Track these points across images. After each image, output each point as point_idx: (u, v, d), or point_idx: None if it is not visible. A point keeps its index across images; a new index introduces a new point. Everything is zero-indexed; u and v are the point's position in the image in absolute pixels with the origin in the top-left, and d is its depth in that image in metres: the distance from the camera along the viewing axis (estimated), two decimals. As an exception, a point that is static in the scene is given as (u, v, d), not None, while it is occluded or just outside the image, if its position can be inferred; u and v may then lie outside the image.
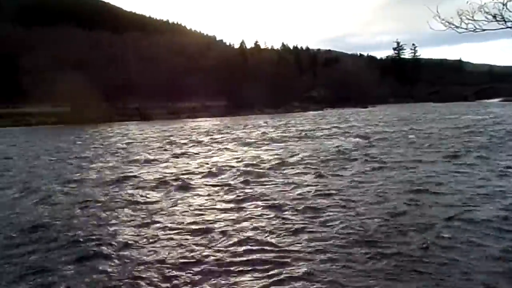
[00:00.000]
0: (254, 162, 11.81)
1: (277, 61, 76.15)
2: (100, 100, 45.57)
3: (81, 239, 5.64)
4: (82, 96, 41.92)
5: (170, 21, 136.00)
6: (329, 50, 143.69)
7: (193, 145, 17.71)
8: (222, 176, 9.95)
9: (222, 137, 20.88)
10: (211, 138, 20.57)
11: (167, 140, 20.21)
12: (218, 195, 8.06)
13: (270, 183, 8.96)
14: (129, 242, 5.50)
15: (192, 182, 9.28)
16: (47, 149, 17.88)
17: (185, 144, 18.30)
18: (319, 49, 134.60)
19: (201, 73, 58.00)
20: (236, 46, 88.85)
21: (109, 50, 59.73)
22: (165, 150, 16.25)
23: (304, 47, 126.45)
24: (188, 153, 14.89)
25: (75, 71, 42.96)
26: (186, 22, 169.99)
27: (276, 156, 12.96)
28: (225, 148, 16.13)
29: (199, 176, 10.13)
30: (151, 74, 50.28)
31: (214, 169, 10.81)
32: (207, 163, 12.12)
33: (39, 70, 49.58)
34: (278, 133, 22.54)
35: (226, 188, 8.65)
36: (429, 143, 15.11)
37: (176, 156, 14.25)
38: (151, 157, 13.93)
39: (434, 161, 11.15)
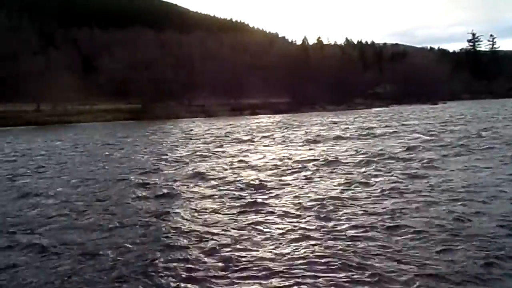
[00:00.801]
0: (314, 159, 11.82)
1: (340, 56, 74.43)
2: (167, 97, 48.04)
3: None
4: (151, 94, 44.47)
5: (234, 20, 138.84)
6: (396, 44, 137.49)
7: (255, 141, 18.05)
8: (286, 172, 10.11)
9: (283, 134, 21.02)
10: (272, 135, 20.79)
11: (231, 136, 20.79)
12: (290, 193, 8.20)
13: (327, 181, 8.94)
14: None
15: (264, 179, 9.52)
16: (127, 143, 19.31)
17: (246, 140, 18.70)
18: (385, 43, 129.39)
19: (263, 71, 58.59)
20: (298, 42, 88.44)
21: (176, 50, 62.57)
22: (228, 145, 16.78)
23: (369, 42, 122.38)
24: (251, 149, 15.23)
25: (145, 71, 45.65)
26: (249, 20, 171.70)
27: (335, 154, 12.82)
28: (286, 145, 16.24)
29: (270, 172, 10.36)
30: (215, 72, 51.83)
31: (282, 165, 11.01)
32: (274, 159, 12.36)
33: (113, 70, 53.37)
34: (338, 130, 22.13)
35: (292, 186, 8.78)
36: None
37: (239, 151, 14.66)
38: (213, 152, 14.50)
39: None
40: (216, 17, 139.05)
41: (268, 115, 43.75)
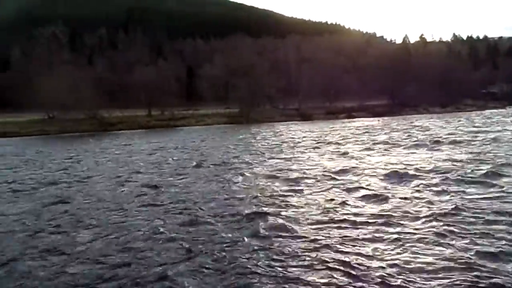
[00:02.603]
0: (416, 167, 10.95)
1: (447, 54, 68.54)
2: (264, 102, 49.25)
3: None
4: (249, 98, 46.01)
5: (329, 22, 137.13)
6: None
7: (351, 145, 17.48)
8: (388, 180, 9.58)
9: (380, 138, 19.97)
10: (370, 139, 19.91)
11: (326, 140, 20.44)
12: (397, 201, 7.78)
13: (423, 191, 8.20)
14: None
15: (368, 184, 9.19)
16: (230, 143, 20.27)
17: (342, 144, 18.20)
18: (500, 37, 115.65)
19: (360, 72, 56.71)
20: (399, 41, 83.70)
21: (272, 55, 63.96)
22: (321, 148, 16.51)
23: (480, 37, 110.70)
24: (348, 153, 14.77)
25: (243, 76, 47.42)
26: (345, 21, 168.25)
27: (437, 163, 11.72)
28: (385, 150, 15.39)
29: (376, 177, 9.98)
30: (311, 76, 51.63)
31: (381, 171, 10.49)
32: (379, 165, 11.83)
33: (213, 77, 56.60)
34: (441, 135, 20.09)
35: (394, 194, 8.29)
36: None
37: (336, 155, 14.33)
38: (312, 154, 14.37)
39: None
40: (311, 21, 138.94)
41: (365, 118, 42.08)
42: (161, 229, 6.43)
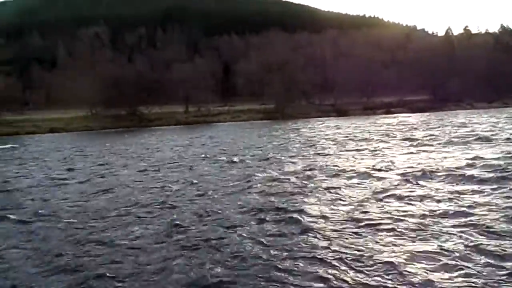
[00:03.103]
0: (460, 165, 10.49)
1: (493, 46, 64.93)
2: (299, 97, 48.89)
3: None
4: (284, 94, 45.83)
5: (367, 15, 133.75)
6: None
7: (390, 142, 17.00)
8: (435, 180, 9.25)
9: (420, 134, 19.27)
10: (409, 135, 19.27)
11: (363, 136, 20.02)
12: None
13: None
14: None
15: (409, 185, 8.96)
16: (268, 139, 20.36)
17: (380, 140, 17.75)
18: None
19: (399, 66, 54.94)
20: (441, 34, 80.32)
21: (308, 50, 63.24)
22: (362, 145, 16.18)
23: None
24: (386, 150, 14.40)
25: (278, 72, 47.26)
26: (384, 14, 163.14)
27: (485, 161, 11.14)
28: (425, 147, 14.85)
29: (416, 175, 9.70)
30: (347, 70, 50.59)
31: (426, 171, 10.12)
32: (425, 164, 11.47)
33: (249, 73, 56.76)
34: (489, 131, 19.05)
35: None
36: None
37: (373, 152, 14.01)
38: (347, 150, 14.13)
39: None
40: (348, 14, 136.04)
41: (405, 114, 40.76)
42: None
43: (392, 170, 10.24)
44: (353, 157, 13.04)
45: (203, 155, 15.43)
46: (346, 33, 75.54)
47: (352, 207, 7.03)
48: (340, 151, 14.73)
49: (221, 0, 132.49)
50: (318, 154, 14.20)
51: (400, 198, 7.49)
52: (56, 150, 20.64)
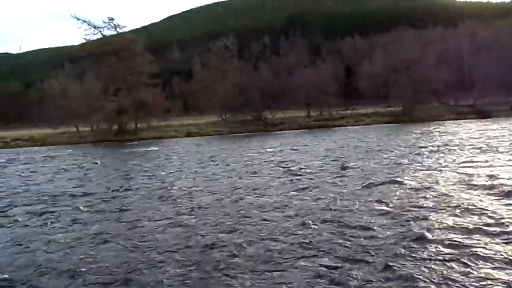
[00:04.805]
0: None
1: None
2: (430, 98, 44.92)
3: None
4: (412, 95, 42.69)
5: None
6: None
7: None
8: None
9: None
10: None
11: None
12: None
13: None
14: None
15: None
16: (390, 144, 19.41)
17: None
18: None
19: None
20: None
21: (440, 46, 57.84)
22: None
23: None
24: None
25: (406, 72, 44.24)
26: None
27: None
28: None
29: None
30: (490, 66, 44.56)
31: None
32: None
33: (373, 74, 54.50)
34: None
35: None
36: None
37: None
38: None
39: None
40: (490, 2, 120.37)
41: None
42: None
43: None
44: (506, 165, 11.38)
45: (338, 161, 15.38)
46: (487, 23, 66.80)
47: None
48: (495, 159, 12.82)
49: (343, 1, 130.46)
50: (461, 161, 12.65)
51: None
52: (195, 152, 23.09)
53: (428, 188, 8.93)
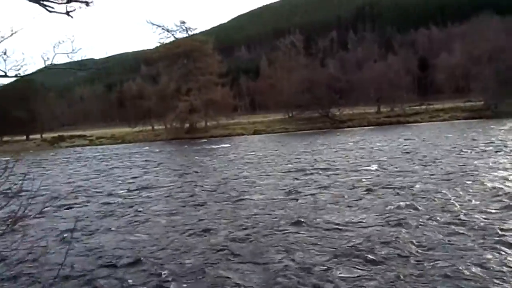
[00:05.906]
0: None
1: None
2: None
3: None
4: (497, 88, 39.00)
5: None
6: None
7: None
8: None
9: None
10: None
11: None
12: None
13: None
14: None
15: None
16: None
17: None
18: None
19: None
20: None
21: (531, 33, 52.03)
22: None
23: None
24: None
25: (490, 63, 40.57)
26: None
27: None
28: None
29: None
30: None
31: None
32: None
33: (451, 66, 50.79)
34: None
35: None
36: None
37: None
38: None
39: None
40: None
41: None
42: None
43: None
44: None
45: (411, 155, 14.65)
46: None
47: None
48: None
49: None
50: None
51: None
52: (260, 148, 23.35)
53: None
